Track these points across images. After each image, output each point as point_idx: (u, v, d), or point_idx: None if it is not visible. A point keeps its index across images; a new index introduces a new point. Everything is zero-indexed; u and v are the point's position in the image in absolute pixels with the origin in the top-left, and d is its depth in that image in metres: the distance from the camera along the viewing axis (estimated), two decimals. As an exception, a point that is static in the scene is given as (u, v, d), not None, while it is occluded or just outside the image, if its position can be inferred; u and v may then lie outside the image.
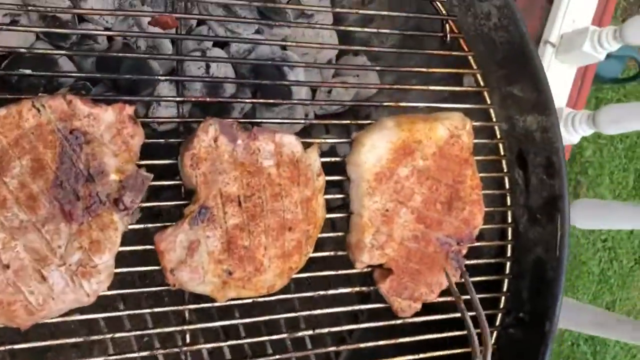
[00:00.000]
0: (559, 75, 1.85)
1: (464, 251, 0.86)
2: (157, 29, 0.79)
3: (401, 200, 0.82)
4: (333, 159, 0.85)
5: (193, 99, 0.80)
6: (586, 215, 1.74)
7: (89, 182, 0.70)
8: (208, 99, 0.82)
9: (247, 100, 0.83)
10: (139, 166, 0.75)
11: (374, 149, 0.81)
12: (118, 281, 0.75)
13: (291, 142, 0.78)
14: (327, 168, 0.82)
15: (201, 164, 0.74)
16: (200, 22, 0.97)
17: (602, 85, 2.86)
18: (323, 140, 0.87)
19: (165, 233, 0.74)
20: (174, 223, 0.74)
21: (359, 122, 0.97)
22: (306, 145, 0.79)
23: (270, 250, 0.77)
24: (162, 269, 0.74)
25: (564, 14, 1.79)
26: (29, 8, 0.75)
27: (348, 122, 0.96)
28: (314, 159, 0.80)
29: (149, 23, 0.77)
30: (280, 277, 0.79)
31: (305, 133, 1.09)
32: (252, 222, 0.76)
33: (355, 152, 0.82)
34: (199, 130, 0.74)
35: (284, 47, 1.03)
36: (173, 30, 0.80)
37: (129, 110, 0.72)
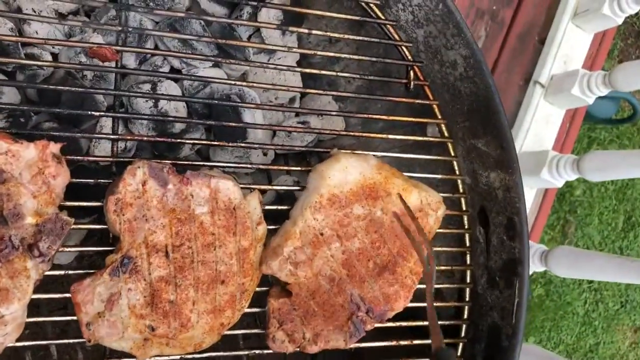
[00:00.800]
0: (547, 117, 1.82)
1: (369, 326, 0.79)
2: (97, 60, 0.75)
3: (340, 234, 0.76)
4: (281, 207, 0.80)
5: (128, 138, 0.75)
6: (565, 264, 1.69)
7: (2, 224, 0.65)
8: (145, 138, 0.77)
9: (190, 141, 0.78)
10: (62, 208, 0.70)
11: (345, 172, 0.77)
12: (30, 333, 0.70)
13: (228, 188, 0.73)
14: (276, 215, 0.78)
15: (126, 209, 0.69)
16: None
17: (595, 125, 2.82)
18: (268, 187, 0.82)
19: (83, 284, 0.68)
20: (93, 271, 0.69)
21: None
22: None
23: (199, 305, 0.72)
24: (78, 322, 0.68)
25: (555, 54, 1.76)
26: None
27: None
28: (254, 207, 0.75)
29: (88, 54, 0.72)
30: (209, 334, 0.74)
31: (262, 174, 1.04)
32: (179, 275, 0.71)
33: (326, 163, 0.78)
34: (126, 173, 0.69)
35: (243, 81, 0.99)
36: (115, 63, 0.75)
37: (54, 148, 0.67)
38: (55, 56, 0.87)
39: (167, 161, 0.72)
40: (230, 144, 0.80)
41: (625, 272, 1.46)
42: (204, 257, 0.72)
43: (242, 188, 0.76)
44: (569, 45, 1.81)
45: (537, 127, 1.84)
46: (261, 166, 0.81)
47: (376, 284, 0.77)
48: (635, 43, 2.91)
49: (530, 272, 1.72)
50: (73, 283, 0.69)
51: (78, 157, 0.72)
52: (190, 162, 0.78)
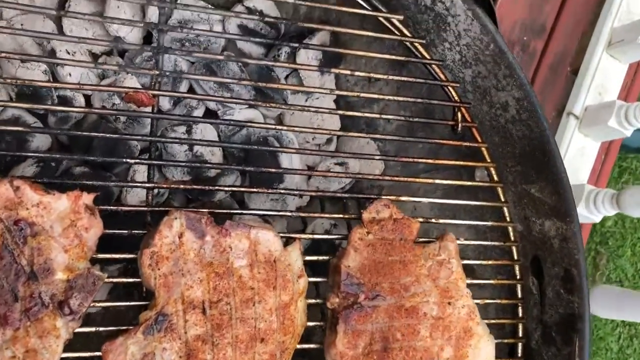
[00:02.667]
0: (582, 149, 1.76)
1: None
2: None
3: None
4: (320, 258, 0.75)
5: (164, 186, 0.71)
6: (603, 304, 1.61)
7: (31, 280, 0.61)
8: (182, 186, 0.73)
9: (226, 188, 0.74)
10: (95, 262, 0.66)
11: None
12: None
13: (268, 240, 0.68)
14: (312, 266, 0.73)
15: (162, 263, 0.65)
16: (192, 92, 0.90)
17: (626, 155, 2.75)
18: (307, 236, 0.77)
19: (115, 343, 0.64)
20: (127, 328, 0.65)
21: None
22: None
23: (237, 365, 0.67)
24: None
25: (589, 85, 1.71)
26: (6, 80, 0.67)
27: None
28: (295, 259, 0.70)
29: (123, 99, 0.69)
30: (248, 396, 0.68)
31: (300, 211, 0.99)
32: (217, 333, 0.66)
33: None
34: (162, 225, 0.65)
35: (280, 122, 0.95)
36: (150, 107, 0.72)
37: (86, 199, 0.63)
38: (88, 98, 0.85)
39: (204, 210, 0.68)
40: (267, 191, 0.75)
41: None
42: (242, 314, 0.67)
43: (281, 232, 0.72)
44: (604, 75, 1.76)
45: (572, 160, 1.77)
46: (301, 214, 0.76)
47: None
48: (668, 72, 2.84)
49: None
50: (104, 341, 0.65)
51: (112, 207, 0.68)
52: (226, 211, 0.74)
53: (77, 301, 0.63)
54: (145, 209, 0.70)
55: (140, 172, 0.81)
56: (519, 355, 0.86)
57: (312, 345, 0.75)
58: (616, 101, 1.61)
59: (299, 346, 0.73)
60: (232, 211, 0.77)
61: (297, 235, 0.77)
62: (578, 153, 1.72)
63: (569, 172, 1.81)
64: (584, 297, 0.78)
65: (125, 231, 0.69)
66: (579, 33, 1.70)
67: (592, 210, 1.58)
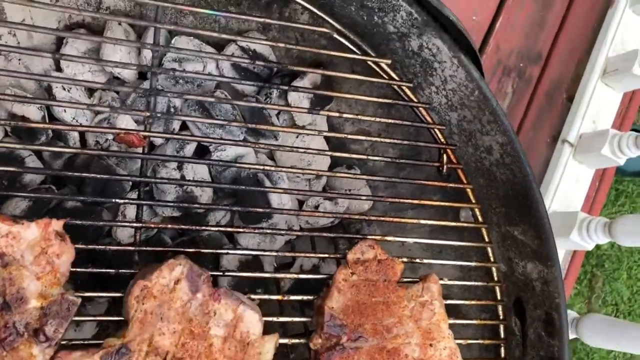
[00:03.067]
0: (576, 176, 1.77)
1: None
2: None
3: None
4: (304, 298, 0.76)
5: (152, 226, 0.73)
6: (592, 333, 1.61)
7: (5, 310, 0.62)
8: (169, 226, 0.74)
9: (213, 229, 0.75)
10: (82, 300, 0.67)
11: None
12: None
13: (251, 322, 0.68)
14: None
15: (148, 299, 0.66)
16: (184, 125, 0.92)
17: (622, 178, 2.76)
18: (293, 276, 0.78)
19: (71, 355, 0.64)
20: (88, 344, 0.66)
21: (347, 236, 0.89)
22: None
23: None
24: None
25: (584, 113, 1.72)
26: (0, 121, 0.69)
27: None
28: (267, 350, 0.70)
29: (114, 140, 0.71)
30: None
31: (288, 246, 1.01)
32: None
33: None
34: (164, 265, 0.66)
35: (271, 157, 0.97)
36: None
37: (56, 225, 0.64)
38: (82, 134, 0.86)
39: (207, 271, 0.69)
40: (254, 231, 0.77)
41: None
42: None
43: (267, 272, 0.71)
44: (598, 104, 1.77)
45: (566, 187, 1.78)
46: (287, 253, 0.78)
47: None
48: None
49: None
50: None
51: (100, 247, 0.70)
52: (216, 251, 0.75)
53: (52, 327, 0.63)
54: (133, 248, 0.72)
55: (131, 208, 0.83)
56: (501, 396, 0.87)
57: None
58: (610, 130, 1.63)
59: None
60: (220, 251, 0.78)
61: (284, 275, 0.79)
62: (572, 180, 1.74)
63: (564, 199, 1.84)
64: (563, 341, 0.80)
65: (113, 270, 0.70)
66: (574, 61, 1.72)
67: (585, 238, 1.59)
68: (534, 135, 1.69)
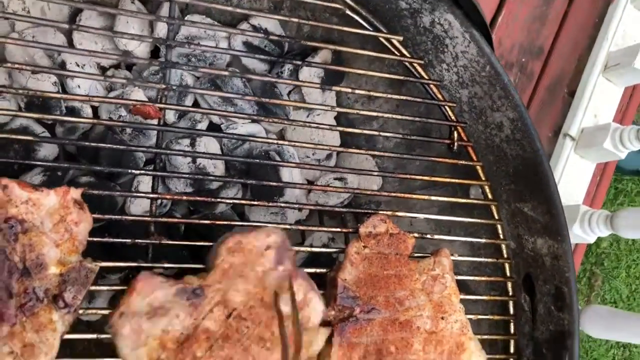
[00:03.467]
0: (578, 170, 1.78)
1: None
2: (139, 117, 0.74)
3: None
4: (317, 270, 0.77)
5: (167, 197, 0.73)
6: (594, 323, 1.62)
7: (25, 276, 0.62)
8: (184, 198, 0.75)
9: (227, 201, 0.76)
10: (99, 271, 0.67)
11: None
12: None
13: (316, 309, 0.70)
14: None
15: (237, 254, 0.67)
16: (196, 106, 0.92)
17: (622, 177, 2.77)
18: (306, 249, 0.79)
19: (153, 279, 0.65)
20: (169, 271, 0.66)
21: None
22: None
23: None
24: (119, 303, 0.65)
25: (585, 108, 1.74)
26: (15, 90, 0.70)
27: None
28: (318, 342, 0.71)
29: (129, 111, 0.72)
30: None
31: (299, 224, 1.01)
32: (220, 341, 0.67)
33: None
34: (263, 230, 0.68)
35: (281, 137, 0.98)
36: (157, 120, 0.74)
37: (74, 193, 0.64)
38: (95, 109, 0.87)
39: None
40: (268, 204, 0.77)
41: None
42: (247, 345, 0.68)
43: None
44: (600, 98, 1.78)
45: (568, 181, 1.79)
46: (300, 227, 0.78)
47: None
48: (664, 96, 2.88)
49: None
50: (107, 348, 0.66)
51: (117, 217, 0.70)
52: (226, 222, 0.76)
53: (71, 294, 0.64)
54: (149, 219, 0.72)
55: (144, 183, 0.83)
56: (511, 371, 0.87)
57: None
58: (611, 124, 1.64)
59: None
60: (232, 222, 0.79)
61: (296, 248, 0.78)
62: (574, 174, 1.75)
63: (565, 193, 1.85)
64: (574, 314, 0.80)
65: (129, 240, 0.70)
66: (576, 56, 1.73)
67: (586, 231, 1.60)
68: (536, 129, 1.70)
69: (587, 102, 1.74)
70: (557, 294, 0.83)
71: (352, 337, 0.74)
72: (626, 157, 2.18)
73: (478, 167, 0.88)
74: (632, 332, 1.55)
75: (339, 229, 0.82)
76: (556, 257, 0.82)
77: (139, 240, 0.71)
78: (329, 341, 0.74)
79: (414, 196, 0.87)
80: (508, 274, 0.88)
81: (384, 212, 0.85)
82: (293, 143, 0.81)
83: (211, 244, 0.74)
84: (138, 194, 0.77)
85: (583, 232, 1.64)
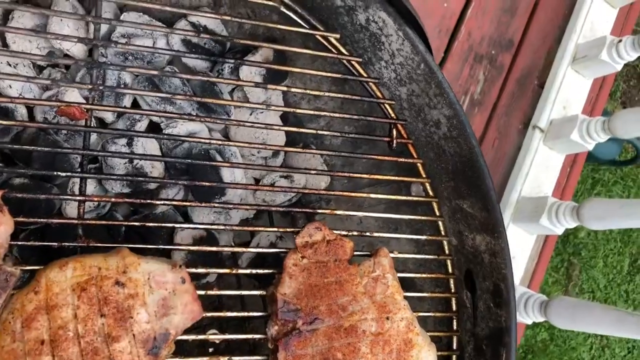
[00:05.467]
0: (546, 162, 1.78)
1: None
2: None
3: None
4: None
5: (95, 199, 0.72)
6: (564, 316, 1.63)
7: None
8: (113, 200, 0.74)
9: (158, 202, 0.75)
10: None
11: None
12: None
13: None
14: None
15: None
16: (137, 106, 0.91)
17: (599, 166, 2.79)
18: (251, 249, 0.78)
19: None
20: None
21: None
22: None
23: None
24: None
25: (554, 99, 1.74)
26: None
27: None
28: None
29: (56, 113, 0.71)
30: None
31: (246, 223, 1.01)
32: None
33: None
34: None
35: (224, 135, 0.97)
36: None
37: None
38: (30, 109, 0.86)
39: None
40: (203, 204, 0.77)
41: (623, 326, 1.40)
42: None
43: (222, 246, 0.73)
44: (569, 90, 1.79)
45: (537, 172, 1.80)
46: (245, 228, 0.78)
47: None
48: (637, 85, 2.89)
49: (530, 322, 1.66)
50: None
51: (42, 220, 0.69)
52: (170, 225, 0.75)
53: None
54: (76, 222, 0.71)
55: (78, 186, 0.82)
56: (453, 367, 0.88)
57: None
58: (579, 115, 1.64)
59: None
60: (175, 225, 0.78)
61: (243, 249, 0.79)
62: (543, 165, 1.75)
63: (534, 184, 1.85)
64: (510, 311, 0.80)
65: (55, 243, 0.70)
66: (545, 48, 1.73)
67: (554, 222, 1.61)
68: (506, 122, 1.70)
69: (556, 94, 1.74)
70: (495, 290, 0.83)
71: (297, 350, 0.74)
72: (602, 147, 2.18)
73: (419, 165, 0.87)
74: (595, 323, 1.56)
75: (284, 229, 0.82)
76: (494, 253, 0.82)
77: (66, 243, 0.70)
78: (275, 357, 0.74)
79: (355, 194, 0.87)
80: (450, 270, 0.88)
81: (323, 211, 0.84)
82: (237, 143, 0.81)
83: (144, 246, 0.73)
84: (65, 197, 0.76)
85: (551, 223, 1.64)
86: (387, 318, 0.78)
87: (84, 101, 0.84)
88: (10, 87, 0.83)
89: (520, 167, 1.72)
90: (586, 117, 1.64)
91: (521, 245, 1.83)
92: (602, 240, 2.87)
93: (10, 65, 0.83)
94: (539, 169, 1.76)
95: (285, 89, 0.82)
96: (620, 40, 1.62)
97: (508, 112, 1.73)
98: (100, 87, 0.72)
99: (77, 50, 0.88)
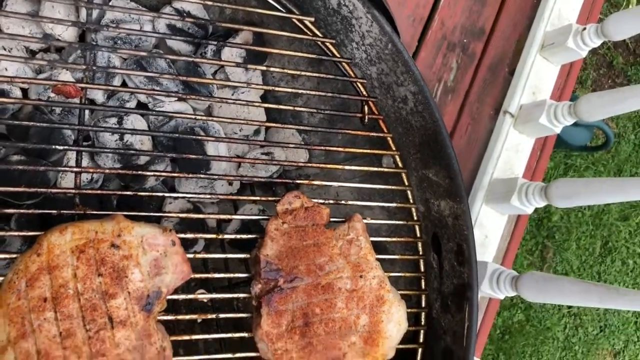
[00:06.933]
0: (517, 145, 1.86)
1: None
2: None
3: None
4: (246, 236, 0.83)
5: (91, 170, 0.78)
6: (533, 289, 1.72)
7: None
8: (107, 171, 0.80)
9: (150, 174, 0.82)
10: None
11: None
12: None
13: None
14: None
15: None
16: (124, 85, 0.97)
17: (571, 153, 2.89)
18: (235, 216, 0.85)
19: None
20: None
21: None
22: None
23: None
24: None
25: (524, 85, 1.82)
26: None
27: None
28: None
29: (52, 91, 0.77)
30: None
31: (229, 203, 1.07)
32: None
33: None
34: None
35: (208, 114, 1.03)
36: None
37: None
38: (25, 91, 0.92)
39: None
40: (191, 175, 0.84)
41: (589, 296, 1.49)
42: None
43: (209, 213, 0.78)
44: (537, 76, 1.87)
45: (508, 155, 1.88)
46: (230, 197, 0.85)
47: None
48: (607, 73, 3.00)
49: (502, 297, 1.75)
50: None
51: (41, 190, 0.75)
52: (158, 193, 0.82)
53: None
54: (74, 191, 0.78)
55: (73, 160, 0.89)
56: (422, 323, 0.96)
57: (244, 334, 0.82)
58: (547, 100, 1.73)
59: (233, 335, 0.81)
60: (164, 194, 0.84)
61: (229, 216, 0.85)
62: (513, 149, 1.84)
63: (505, 167, 1.93)
64: (472, 268, 0.88)
65: (55, 211, 0.76)
66: (516, 36, 1.81)
67: (524, 202, 1.70)
68: (478, 107, 1.78)
69: (525, 80, 1.82)
70: (458, 250, 0.91)
71: (279, 306, 0.81)
72: (573, 133, 2.27)
73: (389, 139, 0.95)
74: (563, 295, 1.65)
75: (266, 198, 0.88)
76: (456, 217, 0.90)
77: (65, 211, 0.77)
78: (259, 313, 0.81)
79: (330, 166, 0.94)
80: (418, 234, 0.96)
81: (301, 182, 0.92)
82: (220, 119, 0.87)
83: (135, 213, 0.80)
84: (63, 168, 0.82)
85: (521, 203, 1.73)
86: (361, 276, 0.85)
87: (75, 82, 0.90)
88: (7, 69, 0.88)
89: (492, 150, 1.81)
90: (554, 102, 1.72)
91: (494, 225, 1.91)
92: (574, 223, 2.98)
93: (4, 49, 0.89)
94: (510, 153, 1.84)
95: (264, 68, 0.89)
96: (584, 29, 1.71)
97: (480, 98, 1.81)
98: (94, 68, 0.78)
99: (68, 35, 0.94)
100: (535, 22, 1.82)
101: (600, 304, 1.48)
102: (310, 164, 0.93)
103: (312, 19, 0.90)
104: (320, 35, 0.92)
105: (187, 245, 0.95)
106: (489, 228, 1.86)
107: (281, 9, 0.90)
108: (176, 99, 0.96)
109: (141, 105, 0.97)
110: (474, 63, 1.81)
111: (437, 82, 1.76)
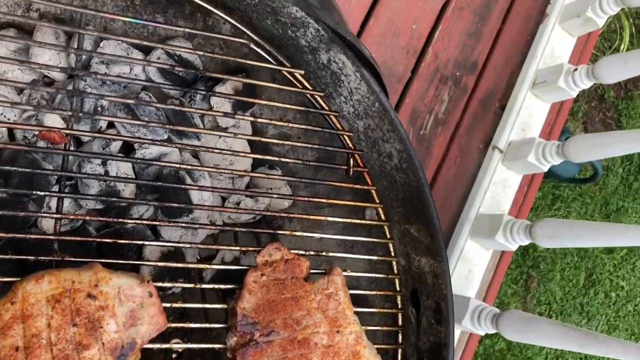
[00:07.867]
0: (504, 181, 1.88)
1: None
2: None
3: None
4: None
5: (71, 217, 0.79)
6: (514, 328, 1.73)
7: None
8: (87, 217, 0.80)
9: (129, 221, 0.82)
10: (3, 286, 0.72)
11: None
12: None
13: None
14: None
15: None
16: (113, 126, 0.97)
17: (559, 184, 2.91)
18: (216, 266, 0.85)
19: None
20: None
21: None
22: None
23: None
24: None
25: (514, 122, 1.83)
26: None
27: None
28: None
29: (37, 136, 0.77)
30: None
31: (211, 240, 1.07)
32: None
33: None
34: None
35: (195, 155, 1.04)
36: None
37: None
38: (11, 132, 0.91)
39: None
40: (171, 224, 0.84)
41: (566, 340, 1.50)
42: None
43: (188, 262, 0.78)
44: (528, 113, 1.88)
45: (495, 191, 1.89)
46: (210, 246, 0.85)
47: None
48: (598, 106, 3.04)
49: (483, 333, 1.75)
50: None
51: (20, 235, 0.75)
52: (140, 242, 0.82)
53: None
54: (53, 237, 0.77)
55: (54, 203, 0.88)
56: (398, 378, 0.96)
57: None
58: (535, 138, 1.74)
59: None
60: (145, 242, 0.84)
61: (207, 266, 0.86)
62: (500, 184, 1.85)
63: (492, 202, 1.94)
64: (449, 328, 0.89)
65: (32, 257, 0.76)
66: (508, 72, 1.83)
67: (508, 239, 1.71)
68: (467, 141, 1.80)
69: (515, 116, 1.84)
70: (437, 308, 0.91)
71: None
72: (563, 166, 2.28)
73: (373, 191, 0.96)
74: (542, 337, 1.66)
75: (237, 248, 0.89)
76: (436, 275, 0.91)
77: (42, 257, 0.76)
78: None
79: (312, 217, 0.94)
80: (398, 288, 0.96)
81: (283, 232, 0.92)
82: (202, 167, 0.88)
83: (115, 261, 0.80)
84: (42, 214, 0.82)
85: (505, 240, 1.74)
86: (338, 332, 0.85)
87: (62, 123, 0.90)
88: (-7, 109, 0.88)
89: (479, 185, 1.82)
90: (542, 141, 1.74)
91: (478, 259, 1.92)
92: (559, 254, 3.00)
93: (-8, 88, 0.89)
94: (498, 188, 1.85)
95: (252, 119, 0.89)
96: (576, 69, 1.73)
97: (470, 132, 1.83)
98: (80, 114, 0.78)
99: (57, 75, 0.93)
100: (528, 59, 1.84)
101: (579, 349, 1.49)
102: (292, 214, 0.93)
103: (302, 72, 0.91)
104: (309, 87, 0.92)
105: (165, 288, 0.95)
106: (474, 262, 1.87)
107: (272, 60, 0.90)
108: (164, 138, 0.96)
109: (127, 145, 0.97)
110: (466, 96, 1.82)
111: (429, 114, 1.77)
